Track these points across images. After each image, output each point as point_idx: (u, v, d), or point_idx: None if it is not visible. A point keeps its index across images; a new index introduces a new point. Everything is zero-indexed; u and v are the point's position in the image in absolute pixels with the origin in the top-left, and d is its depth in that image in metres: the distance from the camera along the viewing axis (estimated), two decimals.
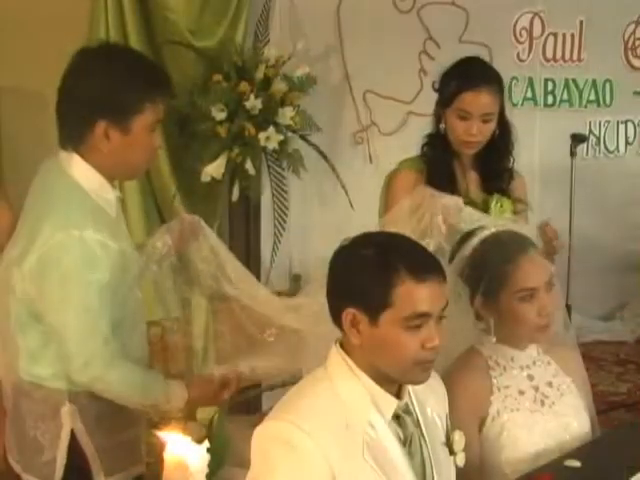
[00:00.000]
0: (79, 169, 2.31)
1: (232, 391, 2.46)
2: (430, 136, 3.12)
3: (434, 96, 3.08)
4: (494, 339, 2.37)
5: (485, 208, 2.98)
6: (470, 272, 2.38)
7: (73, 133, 2.31)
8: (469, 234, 2.44)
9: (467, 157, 3.09)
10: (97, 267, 2.23)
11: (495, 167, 3.11)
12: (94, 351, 2.25)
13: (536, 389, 2.41)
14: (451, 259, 2.43)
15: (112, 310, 2.28)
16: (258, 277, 4.31)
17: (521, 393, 2.38)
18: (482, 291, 2.35)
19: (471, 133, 2.98)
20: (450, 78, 3.05)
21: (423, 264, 1.88)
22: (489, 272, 2.33)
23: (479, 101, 2.96)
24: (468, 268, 2.38)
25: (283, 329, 2.48)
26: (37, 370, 2.34)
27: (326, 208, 4.60)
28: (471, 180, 3.11)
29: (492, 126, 3.02)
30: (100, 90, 2.25)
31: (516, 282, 2.30)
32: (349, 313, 1.87)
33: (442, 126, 3.06)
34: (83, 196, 2.30)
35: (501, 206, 3.01)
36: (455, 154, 3.08)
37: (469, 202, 2.97)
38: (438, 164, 3.06)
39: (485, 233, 2.41)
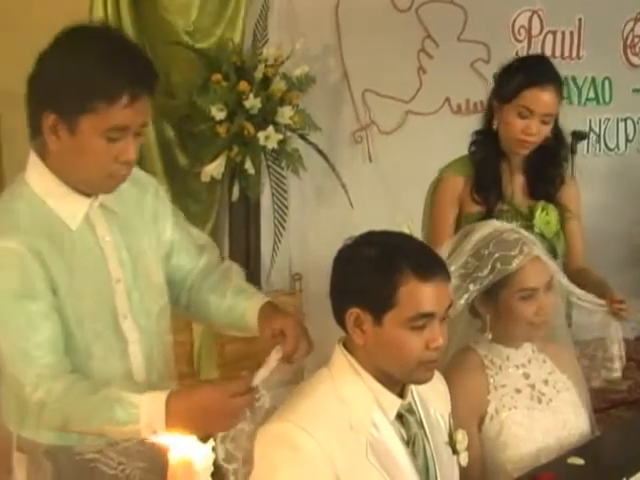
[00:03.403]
0: (30, 168, 1.98)
1: (247, 403, 1.84)
2: (479, 133, 2.94)
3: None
4: (490, 336, 2.37)
5: (530, 216, 2.88)
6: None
7: (31, 125, 1.94)
8: (469, 230, 2.44)
9: (516, 160, 2.92)
10: (9, 279, 1.88)
11: (546, 172, 2.94)
12: (30, 372, 1.87)
13: (532, 387, 2.41)
14: (450, 254, 2.41)
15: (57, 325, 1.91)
16: (258, 277, 4.31)
17: (518, 391, 2.39)
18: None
19: (530, 132, 2.80)
20: (514, 72, 2.85)
21: (427, 264, 1.86)
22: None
23: (544, 99, 2.78)
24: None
25: None
26: None
27: (326, 207, 4.58)
28: (517, 185, 2.95)
29: (549, 129, 2.85)
30: (54, 74, 1.87)
31: (518, 282, 2.30)
32: (353, 313, 1.86)
33: (496, 123, 2.87)
34: (21, 199, 1.96)
35: (547, 214, 2.88)
36: (504, 155, 2.91)
37: (513, 210, 2.90)
38: (485, 165, 2.89)
39: (486, 229, 2.40)
